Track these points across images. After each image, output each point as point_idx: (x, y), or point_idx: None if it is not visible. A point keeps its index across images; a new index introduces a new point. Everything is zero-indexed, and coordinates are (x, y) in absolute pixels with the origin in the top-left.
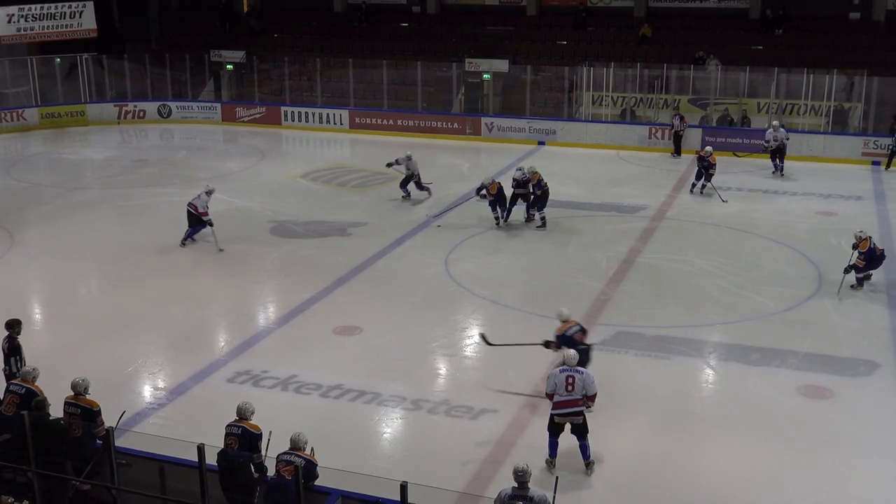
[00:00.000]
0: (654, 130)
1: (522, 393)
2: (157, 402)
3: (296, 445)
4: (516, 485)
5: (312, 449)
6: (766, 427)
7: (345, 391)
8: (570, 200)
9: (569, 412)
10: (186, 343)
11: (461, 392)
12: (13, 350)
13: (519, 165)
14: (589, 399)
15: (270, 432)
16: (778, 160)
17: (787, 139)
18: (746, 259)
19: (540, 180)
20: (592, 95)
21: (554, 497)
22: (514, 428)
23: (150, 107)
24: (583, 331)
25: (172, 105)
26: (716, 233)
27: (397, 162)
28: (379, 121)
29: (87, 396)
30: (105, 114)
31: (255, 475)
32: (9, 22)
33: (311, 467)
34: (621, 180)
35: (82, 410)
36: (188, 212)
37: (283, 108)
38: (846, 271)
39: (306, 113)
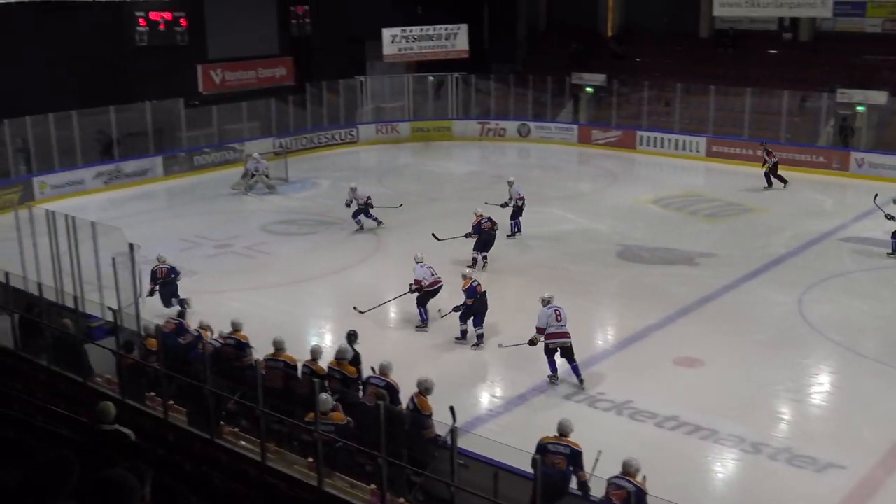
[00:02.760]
0: None
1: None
2: (495, 409)
3: (627, 470)
4: None
5: (644, 477)
6: None
7: (680, 423)
8: None
9: (560, 341)
10: (525, 356)
11: (806, 441)
12: (356, 359)
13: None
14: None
15: (600, 452)
16: None
17: None
18: None
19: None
20: None
21: None
22: (863, 488)
23: (511, 125)
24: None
25: (531, 125)
26: None
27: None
28: (738, 150)
29: (427, 398)
30: (468, 130)
31: (578, 493)
32: (392, 42)
33: (641, 495)
34: None
35: (415, 407)
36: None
37: (638, 133)
38: None
39: (662, 139)
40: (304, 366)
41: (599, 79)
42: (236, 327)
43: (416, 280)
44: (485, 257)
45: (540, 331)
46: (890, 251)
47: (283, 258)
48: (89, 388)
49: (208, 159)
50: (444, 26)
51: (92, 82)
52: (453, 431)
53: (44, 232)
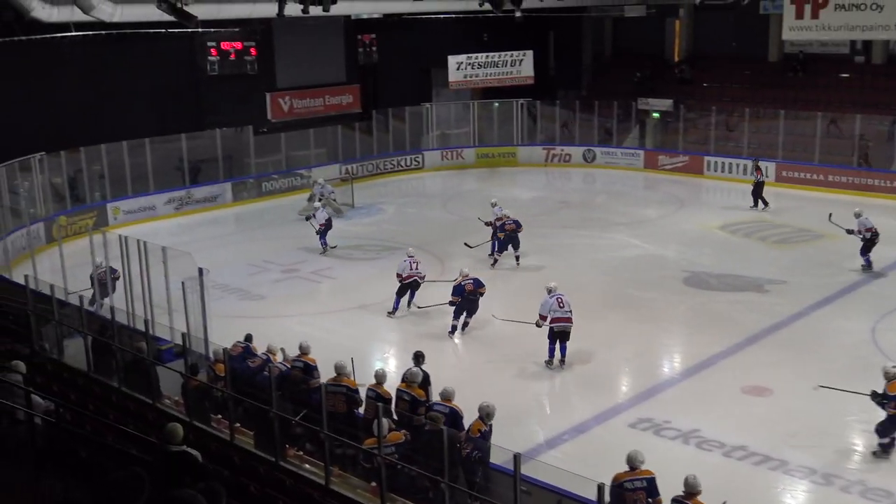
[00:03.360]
0: None
1: None
2: (559, 436)
3: (690, 490)
4: None
5: None
6: None
7: (749, 454)
8: None
9: (563, 325)
10: (590, 382)
11: (880, 474)
12: (426, 381)
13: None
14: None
15: None
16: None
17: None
18: None
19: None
20: None
21: None
22: None
23: (576, 151)
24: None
25: (597, 150)
26: None
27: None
28: (808, 175)
29: (482, 423)
30: (534, 156)
31: None
32: (457, 69)
33: None
34: None
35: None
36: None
37: (706, 158)
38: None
39: (730, 164)
40: (370, 389)
41: (666, 104)
42: (304, 350)
43: (398, 274)
44: (517, 256)
45: (542, 317)
46: (864, 264)
47: (348, 283)
48: (158, 410)
49: (276, 185)
50: (509, 53)
51: (166, 111)
52: (516, 458)
53: (117, 256)
